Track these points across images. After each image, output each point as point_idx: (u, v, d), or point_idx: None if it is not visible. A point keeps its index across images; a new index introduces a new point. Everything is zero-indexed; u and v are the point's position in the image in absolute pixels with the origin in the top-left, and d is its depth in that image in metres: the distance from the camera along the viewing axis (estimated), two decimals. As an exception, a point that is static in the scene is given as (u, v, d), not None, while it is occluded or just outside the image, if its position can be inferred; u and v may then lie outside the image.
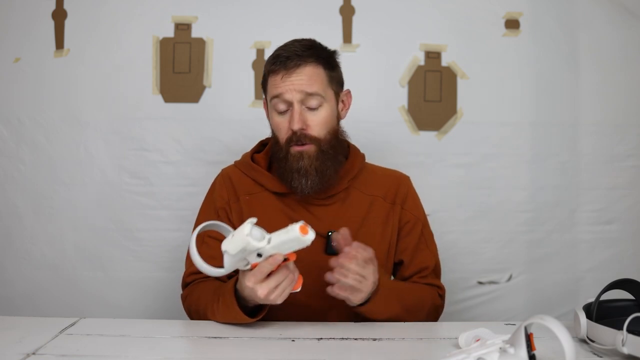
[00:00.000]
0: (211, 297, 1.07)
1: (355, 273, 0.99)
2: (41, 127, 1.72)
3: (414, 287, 1.21)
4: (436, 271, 1.26)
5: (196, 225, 1.25)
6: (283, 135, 1.14)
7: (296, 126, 1.11)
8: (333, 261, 1.00)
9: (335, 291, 1.00)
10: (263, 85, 1.19)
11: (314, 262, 1.13)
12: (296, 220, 1.15)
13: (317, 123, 1.13)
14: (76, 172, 1.72)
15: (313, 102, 1.12)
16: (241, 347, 0.94)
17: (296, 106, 1.11)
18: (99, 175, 1.72)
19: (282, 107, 1.13)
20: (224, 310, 1.02)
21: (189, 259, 1.22)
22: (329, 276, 0.99)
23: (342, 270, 0.99)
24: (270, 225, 1.16)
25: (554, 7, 1.75)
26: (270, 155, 1.24)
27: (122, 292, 1.72)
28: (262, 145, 1.28)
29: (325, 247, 1.14)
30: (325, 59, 1.15)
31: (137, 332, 0.99)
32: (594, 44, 1.75)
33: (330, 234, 1.13)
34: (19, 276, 1.73)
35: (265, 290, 0.94)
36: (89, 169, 1.72)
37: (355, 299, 1.02)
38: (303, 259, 1.15)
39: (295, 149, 1.13)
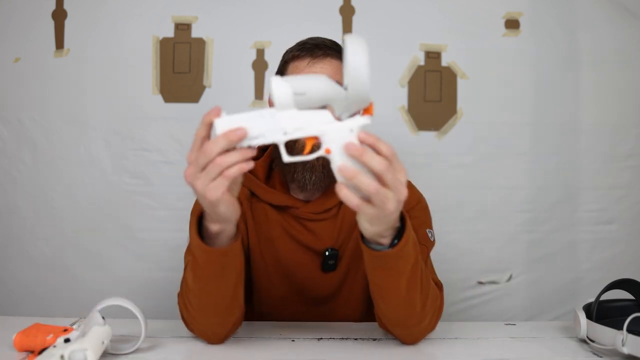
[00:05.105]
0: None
1: (379, 165, 0.70)
2: (41, 127, 1.72)
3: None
4: (430, 269, 1.12)
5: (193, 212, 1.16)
6: None
7: None
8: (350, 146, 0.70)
9: (346, 195, 0.70)
10: (280, 74, 1.11)
11: (310, 279, 1.11)
12: (293, 235, 1.10)
13: None
14: (76, 172, 1.73)
15: None
16: (241, 347, 0.94)
17: None
18: (99, 175, 1.73)
19: None
20: (191, 249, 0.87)
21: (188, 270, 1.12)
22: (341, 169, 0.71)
23: (363, 157, 0.68)
24: (269, 236, 1.11)
25: (554, 7, 1.75)
26: (271, 159, 1.17)
27: (122, 292, 1.71)
28: (262, 151, 1.20)
29: (321, 265, 1.11)
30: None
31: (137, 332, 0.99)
32: (594, 44, 1.75)
33: (327, 252, 1.10)
34: (19, 276, 1.73)
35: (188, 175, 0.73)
36: (89, 169, 1.73)
37: (376, 214, 0.71)
38: (298, 276, 1.11)
39: None
